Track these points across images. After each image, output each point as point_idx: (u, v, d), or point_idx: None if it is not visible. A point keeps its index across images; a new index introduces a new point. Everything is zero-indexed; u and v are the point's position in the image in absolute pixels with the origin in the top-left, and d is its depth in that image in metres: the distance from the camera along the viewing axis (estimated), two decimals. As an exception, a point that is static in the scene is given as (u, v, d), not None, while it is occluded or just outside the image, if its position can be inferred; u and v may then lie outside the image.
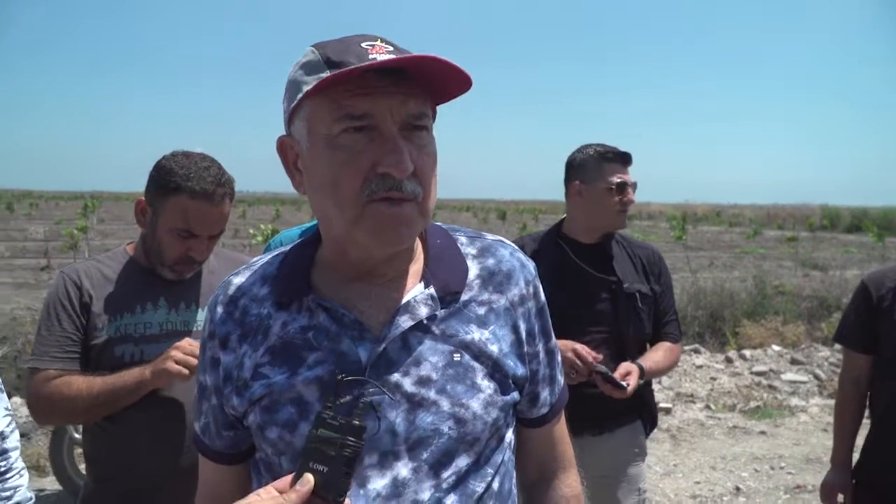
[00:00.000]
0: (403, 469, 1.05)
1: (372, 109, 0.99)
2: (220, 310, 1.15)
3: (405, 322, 1.08)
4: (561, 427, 1.30)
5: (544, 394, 1.23)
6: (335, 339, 1.08)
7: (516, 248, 1.25)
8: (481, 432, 1.09)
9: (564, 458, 1.31)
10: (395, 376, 1.06)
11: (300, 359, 1.07)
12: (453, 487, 1.07)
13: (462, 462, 1.08)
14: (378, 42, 1.01)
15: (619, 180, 2.58)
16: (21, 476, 1.69)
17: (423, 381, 1.07)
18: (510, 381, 1.14)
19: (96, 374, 1.86)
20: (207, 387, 1.16)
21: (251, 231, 14.84)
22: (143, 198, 1.99)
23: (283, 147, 1.10)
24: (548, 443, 1.28)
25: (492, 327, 1.13)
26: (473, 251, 1.20)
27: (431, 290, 1.10)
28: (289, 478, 0.94)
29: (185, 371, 1.78)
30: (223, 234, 2.07)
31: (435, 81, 1.02)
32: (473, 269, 1.17)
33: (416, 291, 1.11)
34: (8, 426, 1.63)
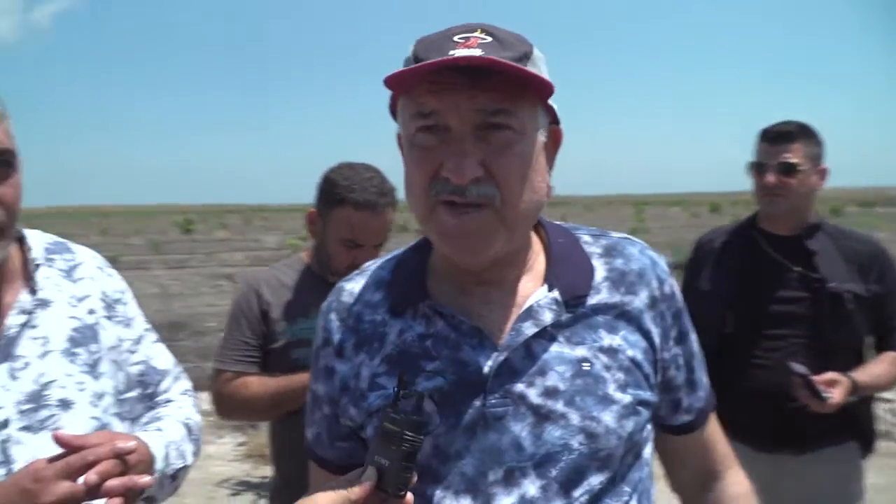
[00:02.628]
0: (531, 487, 0.99)
1: (439, 106, 0.95)
2: (333, 317, 1.13)
3: (528, 329, 1.01)
4: (713, 430, 1.19)
5: (687, 400, 1.14)
6: (455, 348, 1.03)
7: (645, 245, 1.15)
8: (615, 448, 1.01)
9: (724, 460, 1.20)
10: (520, 387, 1.00)
11: (418, 368, 1.03)
12: None
13: (595, 480, 1.00)
14: (476, 33, 0.96)
15: (757, 160, 2.36)
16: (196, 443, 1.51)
17: (550, 392, 1.00)
18: (650, 391, 1.06)
19: (272, 377, 1.99)
20: (320, 396, 1.13)
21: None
22: (314, 209, 2.10)
23: (399, 144, 1.09)
24: (701, 449, 1.18)
25: (623, 332, 1.05)
26: (598, 250, 1.11)
27: (555, 293, 1.03)
28: (359, 471, 0.92)
29: None
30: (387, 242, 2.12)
31: (514, 80, 0.94)
32: (600, 270, 1.08)
33: (538, 295, 1.04)
34: (190, 406, 1.55)
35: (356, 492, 0.90)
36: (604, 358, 1.02)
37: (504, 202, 0.97)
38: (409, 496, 0.92)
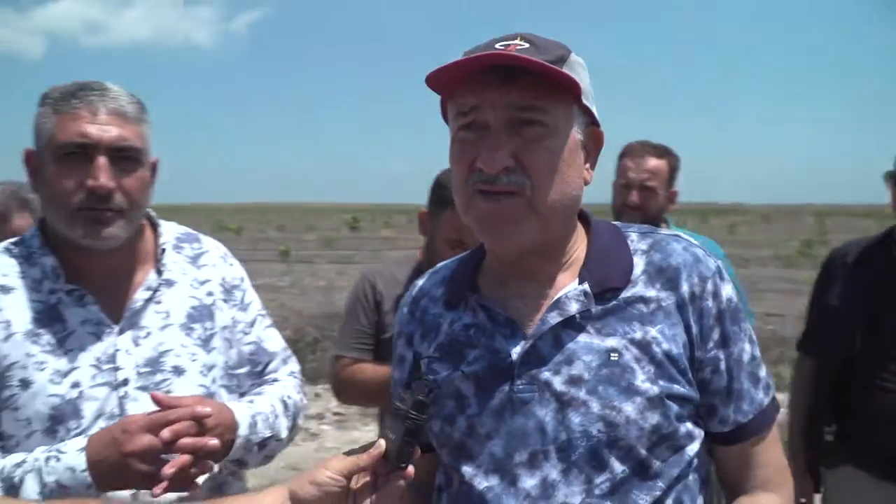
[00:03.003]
0: (553, 471, 1.04)
1: (476, 102, 1.04)
2: (405, 310, 1.27)
3: (553, 318, 1.07)
4: (765, 451, 1.14)
5: (724, 410, 1.10)
6: (491, 337, 1.11)
7: (694, 242, 1.15)
8: (637, 439, 1.03)
9: (764, 482, 1.13)
10: (546, 374, 1.06)
11: (462, 355, 1.13)
12: (608, 495, 1.03)
13: (617, 468, 1.03)
14: (516, 40, 1.04)
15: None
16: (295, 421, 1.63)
17: (574, 381, 1.05)
18: (687, 385, 1.07)
19: (386, 364, 2.14)
20: (396, 381, 1.27)
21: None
22: (425, 209, 2.23)
23: None
24: (741, 463, 1.14)
25: (659, 326, 1.07)
26: (643, 246, 1.14)
27: (585, 286, 1.08)
28: (372, 442, 1.03)
29: None
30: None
31: (545, 80, 1.01)
32: (640, 265, 1.11)
33: (569, 288, 1.10)
34: (293, 385, 1.68)
35: (364, 458, 1.00)
36: (635, 350, 1.05)
37: (535, 191, 1.03)
38: (410, 469, 1.01)
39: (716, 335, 1.09)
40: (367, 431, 6.19)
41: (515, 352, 1.08)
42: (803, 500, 2.43)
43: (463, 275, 1.20)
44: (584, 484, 1.03)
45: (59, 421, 1.37)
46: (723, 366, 1.10)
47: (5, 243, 1.51)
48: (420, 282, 1.29)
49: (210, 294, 1.58)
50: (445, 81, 1.06)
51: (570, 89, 1.04)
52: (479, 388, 1.09)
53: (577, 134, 1.08)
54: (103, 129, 1.38)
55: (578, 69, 1.07)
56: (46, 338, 1.39)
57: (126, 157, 1.41)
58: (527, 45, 1.03)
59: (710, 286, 1.09)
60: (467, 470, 1.09)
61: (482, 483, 1.08)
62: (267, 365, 1.67)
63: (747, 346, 1.12)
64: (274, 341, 1.71)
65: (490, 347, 1.10)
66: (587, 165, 1.12)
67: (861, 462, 2.22)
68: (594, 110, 1.11)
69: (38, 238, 1.48)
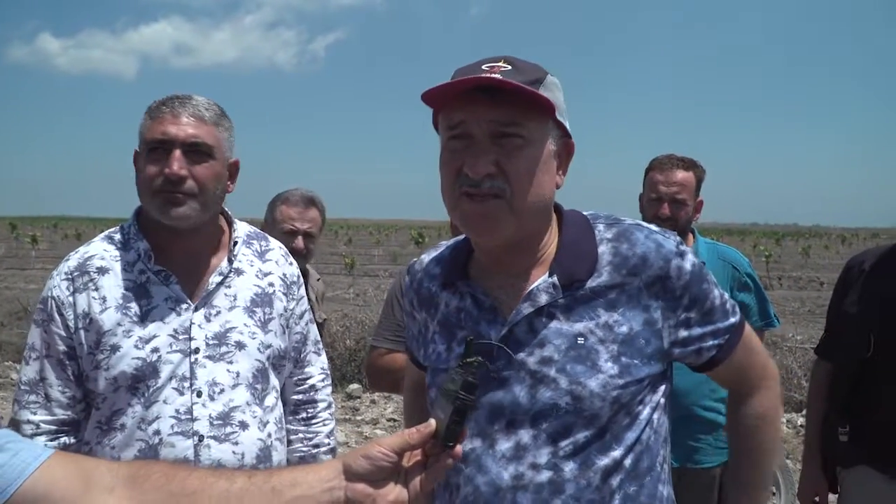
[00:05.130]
0: (525, 436, 1.21)
1: (464, 117, 1.18)
2: (407, 279, 1.48)
3: (526, 308, 1.23)
4: (743, 355, 1.33)
5: (707, 344, 1.29)
6: (475, 321, 1.27)
7: (655, 229, 1.29)
8: (600, 409, 1.19)
9: (753, 380, 1.36)
10: (521, 355, 1.22)
11: (453, 335, 1.31)
12: (571, 456, 1.19)
13: (580, 434, 1.19)
14: (499, 63, 1.18)
15: None
16: (325, 425, 2.02)
17: (545, 361, 1.21)
18: (644, 360, 1.22)
19: None
20: (408, 325, 1.51)
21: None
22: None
23: None
24: (731, 373, 1.34)
25: (621, 309, 1.22)
26: (609, 235, 1.27)
27: (554, 279, 1.23)
28: (423, 424, 1.07)
29: None
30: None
31: (523, 99, 1.15)
32: (606, 255, 1.24)
33: (540, 281, 1.24)
34: (321, 381, 2.02)
35: (415, 436, 1.03)
36: (600, 332, 1.21)
37: (513, 194, 1.17)
38: (458, 448, 1.05)
39: (686, 301, 1.25)
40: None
41: (496, 335, 1.24)
42: (818, 499, 2.49)
43: (455, 260, 1.36)
44: (550, 446, 1.19)
45: (139, 380, 1.64)
46: (700, 318, 1.27)
47: (108, 231, 1.81)
48: (424, 256, 1.47)
49: (271, 285, 1.84)
50: (437, 97, 1.20)
51: (546, 108, 1.18)
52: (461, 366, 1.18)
53: (551, 145, 1.22)
54: (180, 128, 1.66)
55: (553, 89, 1.21)
56: (134, 310, 1.68)
57: (197, 151, 1.67)
58: (509, 68, 1.17)
59: (673, 266, 1.24)
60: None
61: (467, 445, 1.24)
62: (306, 354, 1.97)
63: (715, 292, 1.29)
64: (314, 335, 2.01)
65: (475, 331, 1.26)
66: (560, 172, 1.27)
67: (876, 462, 2.28)
68: (566, 124, 1.25)
69: (135, 225, 1.77)
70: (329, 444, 2.02)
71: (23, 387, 1.69)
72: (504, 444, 1.22)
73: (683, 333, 1.26)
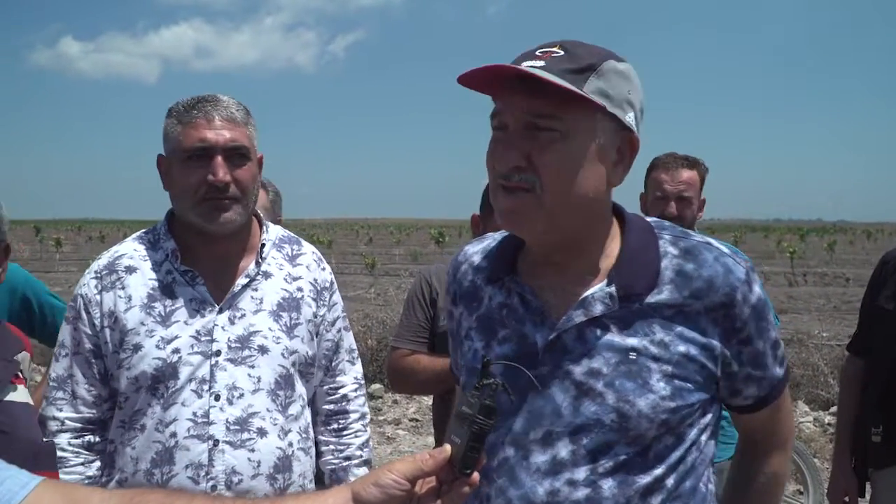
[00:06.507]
0: (563, 450, 1.14)
1: (502, 107, 1.14)
2: (451, 272, 1.38)
3: (578, 316, 1.15)
4: (774, 415, 1.28)
5: (749, 390, 1.22)
6: (521, 321, 1.20)
7: (725, 251, 1.20)
8: (646, 430, 1.12)
9: (775, 441, 1.31)
10: (567, 364, 1.15)
11: (494, 332, 1.23)
12: (610, 473, 1.12)
13: (621, 452, 1.13)
14: (553, 48, 1.11)
15: None
16: (357, 436, 1.94)
17: (593, 373, 1.13)
18: (696, 384, 1.15)
19: (440, 356, 2.31)
20: (448, 331, 1.43)
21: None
22: (476, 214, 2.42)
23: None
24: (756, 426, 1.30)
25: (679, 328, 1.14)
26: (675, 251, 1.19)
27: (612, 289, 1.15)
28: (438, 448, 1.01)
29: None
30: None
31: (564, 91, 1.06)
32: (669, 271, 1.17)
33: (596, 288, 1.17)
34: (354, 391, 1.95)
35: (429, 463, 0.97)
36: (654, 350, 1.13)
37: (543, 189, 1.10)
38: (475, 475, 0.99)
39: (743, 335, 1.17)
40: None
41: (542, 340, 1.16)
42: (847, 500, 2.44)
43: (504, 254, 1.28)
44: (589, 463, 1.12)
45: (159, 380, 1.63)
46: (745, 358, 1.19)
47: (140, 232, 1.82)
48: (469, 248, 1.39)
49: (300, 290, 1.81)
50: (483, 86, 1.14)
51: (588, 100, 1.08)
52: (506, 368, 1.16)
53: (600, 139, 1.12)
54: (218, 133, 1.64)
55: (611, 76, 1.11)
56: (158, 310, 1.67)
57: (237, 155, 1.67)
58: (561, 54, 1.10)
59: (739, 296, 1.15)
60: (488, 439, 1.10)
61: (500, 453, 1.17)
62: (339, 362, 1.93)
63: (772, 334, 1.22)
64: (347, 342, 1.96)
65: (519, 332, 1.19)
66: (618, 168, 1.17)
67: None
68: (626, 117, 1.13)
69: (165, 226, 1.76)
70: (362, 455, 1.95)
71: (51, 383, 1.70)
72: (539, 457, 1.15)
73: (733, 367, 1.19)
